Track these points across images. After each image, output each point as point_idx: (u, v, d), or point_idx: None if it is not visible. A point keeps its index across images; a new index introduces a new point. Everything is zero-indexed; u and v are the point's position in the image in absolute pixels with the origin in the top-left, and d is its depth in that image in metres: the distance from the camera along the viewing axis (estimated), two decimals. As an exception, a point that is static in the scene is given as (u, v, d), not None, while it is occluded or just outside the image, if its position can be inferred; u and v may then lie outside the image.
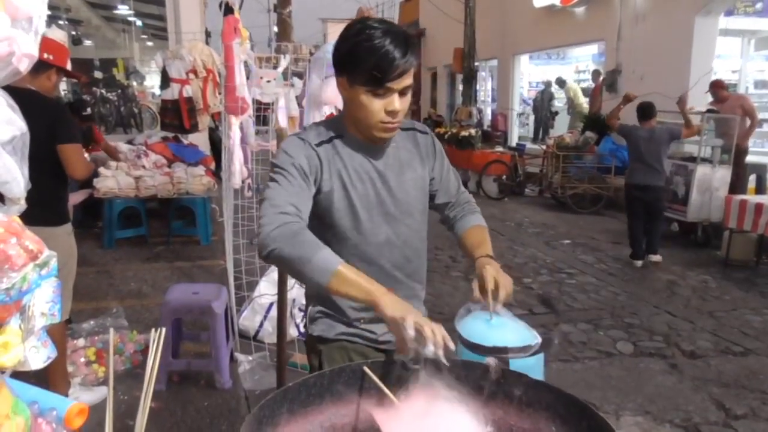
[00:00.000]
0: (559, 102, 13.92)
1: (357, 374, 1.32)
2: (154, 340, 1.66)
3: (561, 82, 13.16)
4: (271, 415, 1.22)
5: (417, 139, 1.62)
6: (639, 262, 5.83)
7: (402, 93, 1.40)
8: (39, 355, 0.83)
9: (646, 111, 5.78)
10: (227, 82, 3.46)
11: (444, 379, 1.21)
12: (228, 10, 3.37)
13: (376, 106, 1.39)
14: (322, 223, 1.49)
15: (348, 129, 1.51)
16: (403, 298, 1.31)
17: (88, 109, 5.21)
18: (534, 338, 1.34)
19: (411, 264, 1.61)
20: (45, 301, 0.88)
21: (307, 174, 1.42)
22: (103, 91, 9.09)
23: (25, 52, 0.87)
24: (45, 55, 2.64)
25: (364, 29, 1.38)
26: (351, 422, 1.34)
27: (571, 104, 12.54)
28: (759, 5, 9.40)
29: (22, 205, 0.87)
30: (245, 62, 3.75)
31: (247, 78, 3.80)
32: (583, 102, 12.17)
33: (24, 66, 0.89)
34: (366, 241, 1.52)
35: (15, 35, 0.84)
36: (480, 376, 1.26)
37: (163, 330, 1.68)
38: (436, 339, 1.17)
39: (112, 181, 5.58)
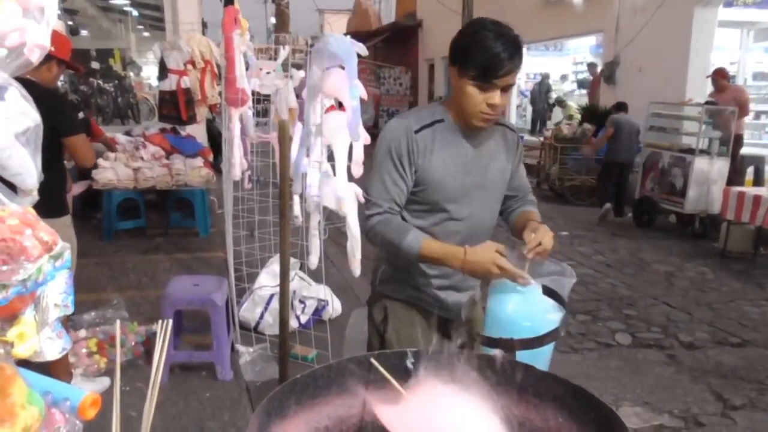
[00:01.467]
0: (558, 93, 13.90)
1: (364, 366, 1.33)
2: (160, 332, 1.66)
3: (561, 102, 13.17)
4: (280, 407, 1.22)
5: (506, 134, 1.79)
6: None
7: (504, 90, 1.56)
8: (54, 346, 0.83)
9: (623, 105, 7.75)
10: (227, 73, 3.45)
11: (450, 370, 1.22)
12: (228, 1, 3.35)
13: (479, 98, 1.56)
14: (415, 196, 1.68)
15: (449, 115, 1.68)
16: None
17: (81, 114, 5.17)
18: (552, 323, 1.39)
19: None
20: (58, 292, 0.88)
21: (404, 162, 1.63)
22: (100, 81, 9.03)
23: (36, 42, 0.87)
24: None
25: (481, 30, 1.54)
26: (358, 413, 1.35)
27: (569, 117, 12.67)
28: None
29: (35, 196, 0.87)
30: (244, 53, 3.74)
31: (246, 69, 3.78)
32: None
33: (35, 57, 0.88)
34: (449, 217, 1.70)
35: (27, 26, 0.83)
36: (486, 368, 1.26)
37: (169, 322, 1.68)
38: (510, 275, 1.47)
39: (111, 172, 5.56)
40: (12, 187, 0.88)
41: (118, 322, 1.39)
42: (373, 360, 1.32)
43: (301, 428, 1.27)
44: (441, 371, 1.24)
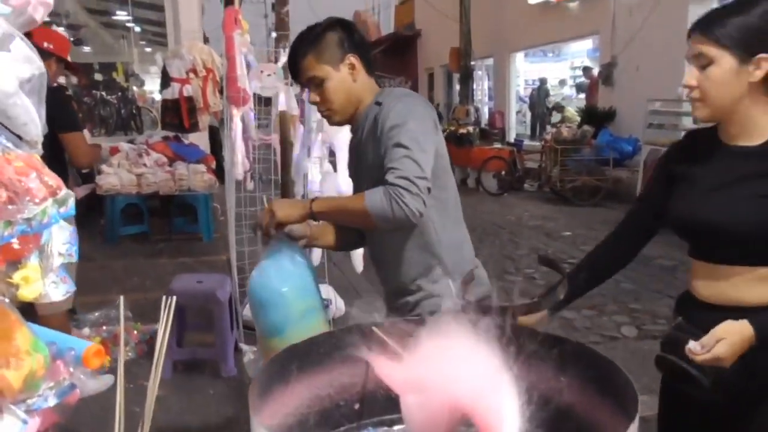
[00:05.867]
0: (556, 98, 13.98)
1: (366, 333, 1.33)
2: (164, 307, 1.67)
3: (559, 108, 13.25)
4: (282, 371, 1.23)
5: (378, 112, 1.56)
6: None
7: (313, 85, 1.58)
8: (58, 290, 0.84)
9: None
10: (228, 72, 3.49)
11: (451, 334, 1.23)
12: (228, 1, 3.40)
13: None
14: None
15: None
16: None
17: None
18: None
19: (374, 247, 1.73)
20: (62, 242, 0.90)
21: None
22: (103, 93, 9.13)
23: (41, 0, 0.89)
24: (45, 44, 2.67)
25: None
26: (360, 382, 1.35)
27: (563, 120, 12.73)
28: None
29: (39, 150, 0.89)
30: (245, 55, 3.78)
31: (248, 71, 3.82)
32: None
33: (39, 15, 0.90)
34: None
35: (30, -19, 0.86)
36: (486, 330, 1.27)
37: (173, 298, 1.69)
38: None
39: (114, 177, 5.60)
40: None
41: (121, 299, 1.40)
42: (374, 328, 1.33)
43: (304, 394, 1.27)
44: (442, 336, 1.24)
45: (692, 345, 1.23)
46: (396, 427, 1.31)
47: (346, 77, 1.57)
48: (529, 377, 1.26)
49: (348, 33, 1.60)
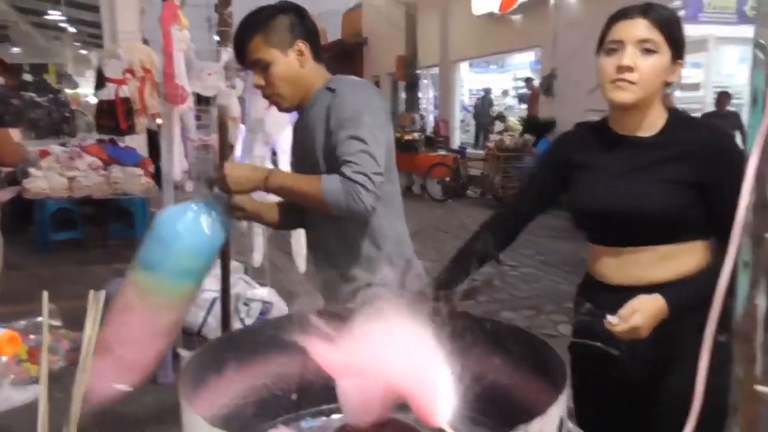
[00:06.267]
0: (499, 107, 14.35)
1: (302, 321, 1.32)
2: (91, 304, 1.60)
3: (502, 117, 13.61)
4: (215, 360, 1.20)
5: (332, 98, 1.53)
6: None
7: (258, 68, 1.54)
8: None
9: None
10: (166, 69, 3.40)
11: (388, 317, 1.23)
12: (166, -4, 3.32)
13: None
14: None
15: None
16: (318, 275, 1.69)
17: None
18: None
19: (314, 233, 1.71)
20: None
21: None
22: (34, 95, 8.69)
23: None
24: None
25: None
26: (297, 372, 1.34)
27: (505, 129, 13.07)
28: (682, 12, 9.98)
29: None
30: (185, 52, 3.69)
31: (187, 69, 3.73)
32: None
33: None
34: None
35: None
36: (422, 315, 1.27)
37: (103, 293, 1.62)
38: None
39: (43, 181, 5.35)
40: None
41: (45, 294, 1.33)
42: (312, 316, 1.32)
43: (239, 384, 1.24)
44: (378, 321, 1.24)
45: (610, 318, 1.27)
46: (334, 416, 1.29)
47: (293, 63, 1.55)
48: (463, 359, 1.28)
49: (299, 18, 1.57)
